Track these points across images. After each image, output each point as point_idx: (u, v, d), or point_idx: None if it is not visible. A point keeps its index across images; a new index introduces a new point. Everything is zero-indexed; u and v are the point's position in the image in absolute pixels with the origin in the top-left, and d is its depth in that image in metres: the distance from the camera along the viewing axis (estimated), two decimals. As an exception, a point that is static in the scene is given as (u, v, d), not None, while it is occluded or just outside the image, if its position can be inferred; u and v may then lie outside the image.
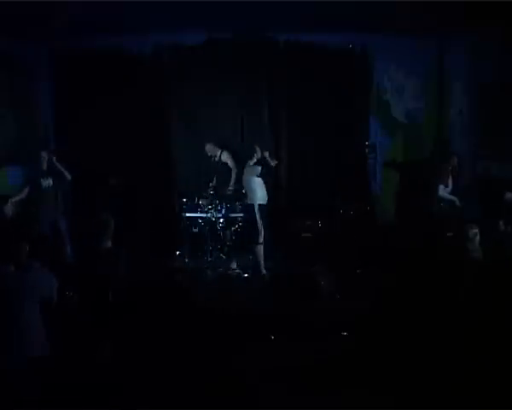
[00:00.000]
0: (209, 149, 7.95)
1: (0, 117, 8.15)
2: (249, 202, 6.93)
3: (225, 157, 7.94)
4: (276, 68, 8.40)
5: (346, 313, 5.01)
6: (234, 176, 7.85)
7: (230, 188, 7.66)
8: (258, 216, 6.78)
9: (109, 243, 4.49)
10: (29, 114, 8.34)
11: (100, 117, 8.06)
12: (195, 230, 7.68)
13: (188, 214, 7.64)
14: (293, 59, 8.31)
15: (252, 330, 4.64)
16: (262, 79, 8.51)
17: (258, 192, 6.86)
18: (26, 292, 3.64)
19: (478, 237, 5.39)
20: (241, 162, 7.62)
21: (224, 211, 7.62)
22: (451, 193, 7.18)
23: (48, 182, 7.02)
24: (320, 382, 3.81)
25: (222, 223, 7.64)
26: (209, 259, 7.45)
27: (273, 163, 7.13)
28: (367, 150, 8.44)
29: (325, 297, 5.62)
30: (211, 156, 7.96)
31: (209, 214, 7.57)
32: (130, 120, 8.11)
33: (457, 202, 7.07)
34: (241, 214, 7.64)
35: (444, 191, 7.12)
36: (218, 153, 7.91)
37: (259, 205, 6.84)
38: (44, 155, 7.05)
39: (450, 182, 7.21)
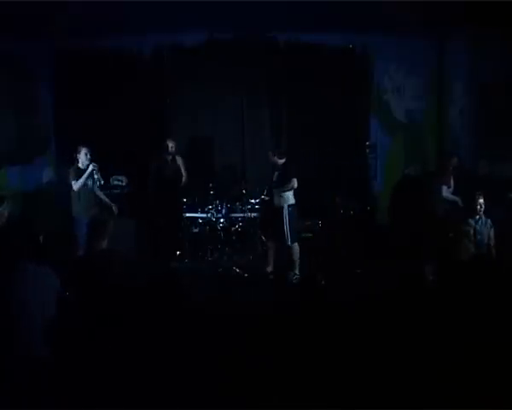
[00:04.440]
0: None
1: (0, 117, 8.17)
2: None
3: (179, 162, 7.76)
4: (276, 68, 8.41)
5: (345, 312, 5.00)
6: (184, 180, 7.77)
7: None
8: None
9: (105, 244, 4.49)
10: (29, 114, 8.34)
11: (100, 117, 8.06)
12: (195, 230, 7.68)
13: (188, 214, 7.64)
14: (293, 59, 8.31)
15: (252, 330, 4.64)
16: (262, 79, 8.52)
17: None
18: (29, 292, 3.64)
19: (472, 232, 5.42)
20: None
21: (224, 211, 7.62)
22: (453, 193, 7.16)
23: (89, 181, 6.75)
24: (320, 382, 3.81)
25: (222, 223, 7.64)
26: (209, 259, 7.45)
27: None
28: (367, 150, 8.44)
29: (326, 296, 5.61)
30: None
31: (209, 214, 7.57)
32: (130, 119, 8.11)
33: (460, 203, 7.04)
34: (241, 214, 7.65)
35: (447, 192, 7.10)
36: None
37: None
38: (86, 151, 6.72)
39: (451, 182, 7.20)
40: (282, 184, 6.67)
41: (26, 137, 8.27)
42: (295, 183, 6.64)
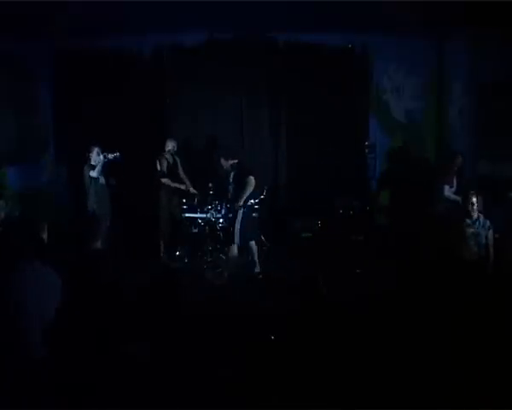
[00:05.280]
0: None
1: (0, 117, 8.18)
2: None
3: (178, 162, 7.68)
4: (275, 68, 8.41)
5: (345, 312, 5.00)
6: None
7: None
8: None
9: (99, 244, 4.50)
10: (29, 114, 8.34)
11: (100, 117, 8.06)
12: (195, 230, 7.67)
13: (187, 214, 7.63)
14: (293, 59, 8.32)
15: (252, 330, 4.64)
16: (262, 79, 8.52)
17: None
18: (30, 293, 3.63)
19: (471, 232, 5.43)
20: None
21: (224, 211, 7.61)
22: (455, 193, 7.15)
23: (102, 179, 7.00)
24: (319, 382, 3.81)
25: (222, 223, 7.63)
26: (209, 259, 7.44)
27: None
28: (367, 150, 8.44)
29: (325, 297, 5.62)
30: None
31: (209, 214, 7.56)
32: (130, 120, 8.11)
33: (461, 202, 7.02)
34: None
35: (449, 191, 7.10)
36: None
37: None
38: (98, 150, 6.94)
39: (454, 182, 7.20)
40: (239, 183, 6.76)
41: (26, 137, 8.28)
42: (252, 180, 6.69)
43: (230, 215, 7.29)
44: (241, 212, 6.77)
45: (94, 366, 3.74)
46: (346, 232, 7.56)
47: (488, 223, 5.88)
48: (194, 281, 6.65)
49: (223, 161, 6.94)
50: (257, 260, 6.86)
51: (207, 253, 7.48)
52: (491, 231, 5.87)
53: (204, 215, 7.56)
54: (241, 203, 6.74)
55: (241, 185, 6.76)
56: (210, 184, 7.65)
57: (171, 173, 7.50)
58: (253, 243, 6.85)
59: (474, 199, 5.82)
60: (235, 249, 6.83)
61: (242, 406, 3.55)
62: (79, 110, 8.14)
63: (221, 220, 7.62)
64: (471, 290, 4.58)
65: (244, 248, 7.29)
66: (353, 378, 3.84)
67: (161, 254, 7.49)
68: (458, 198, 7.05)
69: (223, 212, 7.63)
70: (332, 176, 8.29)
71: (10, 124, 8.25)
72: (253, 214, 7.09)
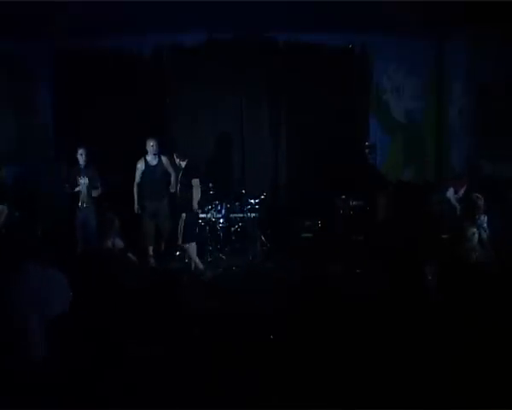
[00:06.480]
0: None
1: (0, 117, 8.18)
2: None
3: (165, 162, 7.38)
4: (275, 68, 8.42)
5: (345, 312, 5.00)
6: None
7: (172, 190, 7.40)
8: None
9: (110, 243, 4.50)
10: (29, 114, 8.34)
11: (100, 117, 8.06)
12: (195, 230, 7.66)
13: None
14: (293, 59, 8.33)
15: (252, 330, 4.64)
16: (262, 79, 8.53)
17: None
18: (31, 293, 3.63)
19: (476, 236, 5.42)
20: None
21: (223, 211, 7.62)
22: (457, 201, 7.16)
23: (85, 180, 6.98)
24: (319, 382, 3.81)
25: (221, 223, 7.64)
26: (209, 259, 7.45)
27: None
28: (367, 150, 8.44)
29: (326, 296, 5.62)
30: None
31: (209, 214, 7.56)
32: (130, 120, 8.10)
33: (458, 211, 7.05)
34: (241, 215, 7.65)
35: (452, 196, 7.14)
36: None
37: None
38: (82, 151, 6.98)
39: (462, 191, 7.22)
40: (185, 185, 6.74)
41: (26, 137, 8.28)
42: (197, 182, 6.70)
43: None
44: (184, 214, 6.79)
45: (94, 365, 3.74)
46: (346, 232, 7.56)
47: (488, 223, 5.88)
48: (194, 281, 6.66)
49: (175, 157, 6.91)
50: (196, 260, 6.93)
51: (207, 253, 7.49)
52: (487, 232, 5.87)
53: (204, 215, 7.57)
54: (196, 207, 6.80)
55: (186, 187, 6.73)
56: (210, 185, 7.66)
57: (149, 176, 7.27)
58: (193, 244, 6.91)
59: (481, 202, 5.82)
60: (193, 246, 6.89)
61: (242, 406, 3.55)
62: (79, 110, 8.14)
63: (221, 220, 7.64)
64: (471, 290, 4.58)
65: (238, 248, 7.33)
66: (353, 378, 3.84)
67: (151, 255, 7.40)
68: (458, 206, 7.06)
69: (223, 212, 7.64)
70: (332, 176, 8.28)
71: (10, 124, 8.25)
72: (196, 218, 7.09)
